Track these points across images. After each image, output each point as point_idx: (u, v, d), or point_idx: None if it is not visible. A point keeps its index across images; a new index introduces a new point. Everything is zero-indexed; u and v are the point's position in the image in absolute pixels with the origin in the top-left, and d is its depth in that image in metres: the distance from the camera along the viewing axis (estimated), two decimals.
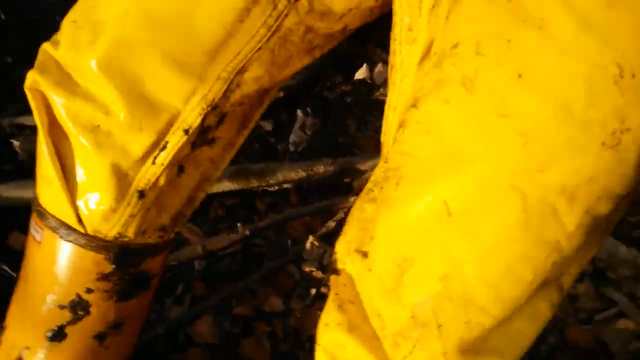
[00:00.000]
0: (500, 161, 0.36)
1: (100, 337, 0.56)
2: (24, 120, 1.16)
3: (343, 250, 0.46)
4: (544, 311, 0.43)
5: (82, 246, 0.50)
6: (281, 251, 1.15)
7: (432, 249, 0.39)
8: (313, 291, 1.08)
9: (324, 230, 1.18)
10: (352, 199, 1.22)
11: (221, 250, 1.10)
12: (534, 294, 0.40)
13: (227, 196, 1.20)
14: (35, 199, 0.54)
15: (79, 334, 0.55)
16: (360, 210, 0.46)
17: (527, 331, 0.43)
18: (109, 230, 0.50)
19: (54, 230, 0.50)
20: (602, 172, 0.36)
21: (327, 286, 1.10)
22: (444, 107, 0.38)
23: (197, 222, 1.15)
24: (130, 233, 0.51)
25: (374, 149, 1.29)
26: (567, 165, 0.35)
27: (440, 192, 0.38)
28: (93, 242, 0.50)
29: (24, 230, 1.10)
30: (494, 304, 0.39)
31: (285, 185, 1.23)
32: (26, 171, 1.16)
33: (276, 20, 0.47)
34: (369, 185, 0.47)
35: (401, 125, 0.44)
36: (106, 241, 0.50)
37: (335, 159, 1.27)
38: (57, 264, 0.52)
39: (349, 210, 1.21)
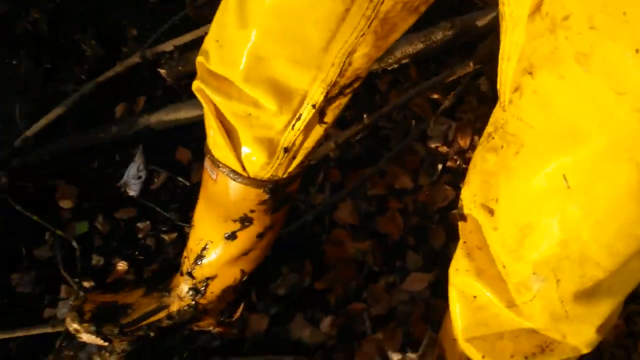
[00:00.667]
0: (617, 137, 0.36)
1: (259, 235, 0.78)
2: (163, 47, 1.30)
3: (469, 199, 0.51)
4: None
5: (246, 185, 0.69)
6: (406, 131, 1.20)
7: (551, 217, 0.43)
8: (439, 166, 1.13)
9: (446, 103, 1.17)
10: (470, 63, 1.17)
11: (351, 137, 1.19)
12: None
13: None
14: (208, 150, 0.72)
15: (246, 235, 0.77)
16: (482, 160, 0.50)
17: (636, 268, 0.45)
18: (265, 174, 0.68)
19: (226, 174, 0.69)
20: None
21: (453, 159, 1.14)
22: (560, 82, 0.38)
23: None
24: (280, 173, 0.69)
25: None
26: None
27: (559, 166, 0.40)
28: (254, 183, 0.69)
29: (187, 145, 1.32)
30: (608, 260, 0.43)
31: (403, 61, 1.22)
32: (175, 94, 1.34)
33: (373, 11, 0.52)
34: (488, 129, 0.50)
35: (517, 88, 0.44)
36: (263, 181, 0.69)
37: (454, 20, 1.19)
38: (229, 195, 0.72)
39: (469, 82, 1.17)
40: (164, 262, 1.17)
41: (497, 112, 0.48)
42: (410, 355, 0.93)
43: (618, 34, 0.33)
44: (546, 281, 0.44)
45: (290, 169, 0.69)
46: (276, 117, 0.60)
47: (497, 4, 0.45)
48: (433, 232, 1.07)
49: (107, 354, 0.91)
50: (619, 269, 0.43)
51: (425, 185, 1.12)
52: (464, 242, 0.53)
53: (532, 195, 0.43)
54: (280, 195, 0.72)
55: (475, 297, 0.52)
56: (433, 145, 1.15)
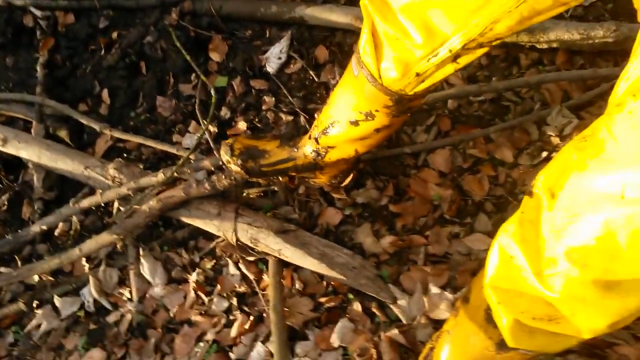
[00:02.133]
0: None
1: (377, 130, 0.93)
2: None
3: (541, 180, 0.60)
4: None
5: (378, 90, 0.83)
6: (527, 110, 1.25)
7: (599, 216, 0.51)
8: (544, 154, 1.19)
9: (577, 100, 1.20)
10: (619, 69, 1.17)
11: (473, 95, 1.26)
12: None
13: (495, 46, 1.28)
14: (357, 51, 0.84)
15: (367, 127, 0.92)
16: (569, 154, 0.57)
17: None
18: (395, 87, 0.81)
19: (365, 75, 0.83)
20: None
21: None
22: None
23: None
24: (407, 90, 0.82)
25: None
26: None
27: (623, 179, 0.48)
28: (385, 90, 0.83)
29: (327, 46, 1.44)
30: (635, 268, 0.52)
31: (554, 45, 1.24)
32: None
33: None
34: (585, 132, 0.57)
35: (619, 104, 0.51)
36: (392, 92, 0.82)
37: (620, 25, 1.18)
38: (363, 93, 0.86)
39: (610, 87, 1.18)
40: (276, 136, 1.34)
41: (598, 121, 0.54)
42: (448, 294, 1.07)
43: None
44: (574, 263, 0.54)
45: (417, 89, 0.81)
46: (418, 48, 0.72)
47: None
48: (512, 208, 1.15)
49: (222, 176, 1.14)
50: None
51: (523, 165, 1.19)
52: (522, 213, 0.62)
53: (591, 193, 0.51)
54: (402, 106, 0.86)
55: (512, 257, 0.62)
56: (547, 133, 1.20)
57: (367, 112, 0.88)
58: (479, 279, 0.76)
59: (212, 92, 1.35)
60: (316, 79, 1.41)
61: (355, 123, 0.91)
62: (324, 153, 1.01)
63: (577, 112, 1.19)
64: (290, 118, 1.38)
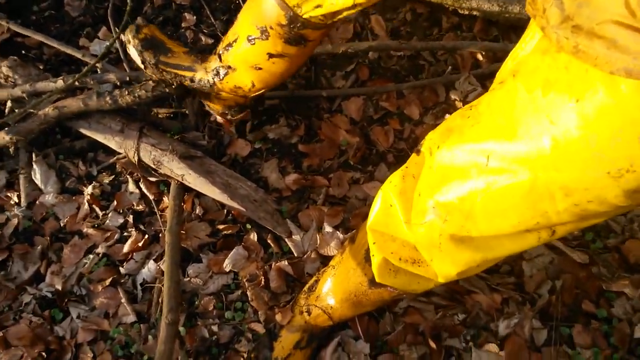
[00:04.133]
0: (534, 154, 0.49)
1: (270, 55, 0.91)
2: None
3: (428, 139, 0.64)
4: (529, 240, 0.60)
5: (275, 1, 0.81)
6: (439, 72, 1.31)
7: (464, 180, 0.56)
8: (447, 116, 1.26)
9: (484, 69, 1.28)
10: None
11: (394, 50, 1.30)
12: (521, 232, 0.58)
13: (420, 3, 1.31)
14: None
15: (260, 48, 0.90)
16: (453, 120, 0.61)
17: (508, 246, 0.62)
18: (290, 1, 0.79)
19: None
20: (598, 189, 0.48)
21: None
22: (525, 94, 0.49)
23: (387, 18, 1.33)
24: (302, 11, 0.79)
25: None
26: (573, 174, 0.49)
27: (489, 149, 0.53)
28: (280, 3, 0.80)
29: None
30: (484, 228, 0.58)
31: (474, 13, 1.30)
32: None
33: None
34: (473, 102, 0.61)
35: (502, 82, 0.54)
36: (287, 5, 0.80)
37: None
38: (261, 5, 0.84)
39: None
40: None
41: (486, 94, 0.59)
42: (339, 233, 1.14)
43: (572, 85, 0.45)
44: (438, 217, 0.61)
45: (312, 13, 0.79)
46: None
47: None
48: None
49: (126, 92, 1.09)
50: (490, 237, 0.59)
51: (427, 124, 1.26)
52: (406, 167, 0.68)
53: (462, 158, 0.56)
54: (294, 30, 0.84)
55: (391, 205, 0.68)
56: (453, 97, 1.27)
57: (262, 27, 0.86)
58: (364, 223, 0.82)
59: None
60: (242, 3, 1.36)
61: (251, 41, 0.89)
62: (223, 74, 0.99)
63: (483, 81, 1.27)
64: (211, 41, 1.33)
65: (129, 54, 1.04)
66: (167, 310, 1.01)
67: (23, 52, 1.32)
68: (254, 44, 0.89)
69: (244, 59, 0.94)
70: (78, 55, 1.23)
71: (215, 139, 1.26)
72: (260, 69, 0.94)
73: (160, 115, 1.27)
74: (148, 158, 1.16)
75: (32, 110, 1.13)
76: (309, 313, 0.97)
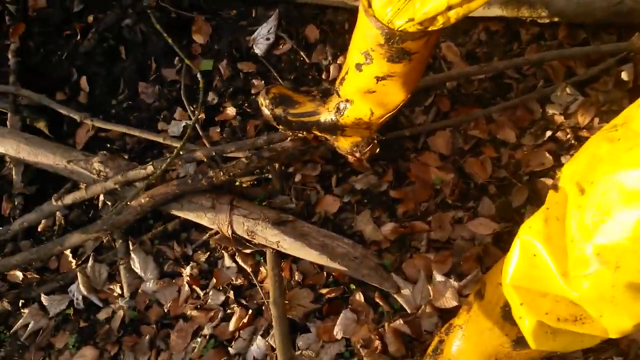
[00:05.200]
0: None
1: (377, 78, 0.88)
2: None
3: (568, 174, 0.56)
4: None
5: (370, 21, 0.77)
6: (530, 87, 1.20)
7: (632, 213, 0.47)
8: (548, 133, 1.15)
9: (582, 76, 1.16)
10: (623, 43, 1.14)
11: (473, 75, 1.21)
12: None
13: (493, 21, 1.23)
14: None
15: (368, 72, 0.87)
16: (597, 145, 0.53)
17: None
18: (384, 17, 0.75)
19: (361, 8, 0.79)
20: None
21: (565, 131, 1.15)
22: None
23: (459, 43, 1.25)
24: (396, 23, 0.75)
25: None
26: None
27: None
28: (374, 21, 0.77)
29: (318, 25, 1.37)
30: None
31: (555, 19, 1.19)
32: None
33: None
34: (616, 121, 0.53)
35: None
36: (381, 23, 0.76)
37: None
38: (361, 30, 0.83)
39: (613, 64, 1.14)
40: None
41: (632, 109, 0.51)
42: (453, 281, 1.04)
43: None
44: (606, 265, 0.50)
45: (406, 26, 0.74)
46: None
47: None
48: (516, 190, 1.12)
49: (220, 172, 1.10)
50: None
51: (526, 145, 1.15)
52: (547, 209, 0.58)
53: (625, 189, 0.47)
54: (394, 46, 0.80)
55: (535, 255, 0.58)
56: (551, 111, 1.16)
57: (365, 52, 0.84)
58: (494, 274, 0.72)
59: (199, 76, 1.28)
60: (307, 60, 1.35)
61: (359, 67, 0.88)
62: (342, 109, 0.99)
63: (582, 88, 1.15)
64: None
65: (264, 115, 1.11)
66: None
67: (108, 145, 1.37)
68: (361, 70, 0.88)
69: (357, 88, 0.93)
70: (159, 139, 1.25)
71: (302, 199, 1.22)
72: (373, 92, 0.91)
73: (244, 185, 1.25)
74: (241, 230, 1.14)
75: (127, 203, 1.14)
76: None
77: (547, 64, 1.18)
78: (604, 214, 0.50)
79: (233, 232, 1.15)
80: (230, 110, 1.32)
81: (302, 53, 1.35)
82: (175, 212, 1.20)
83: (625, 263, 0.49)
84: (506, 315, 0.67)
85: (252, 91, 1.34)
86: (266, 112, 1.09)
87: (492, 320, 0.71)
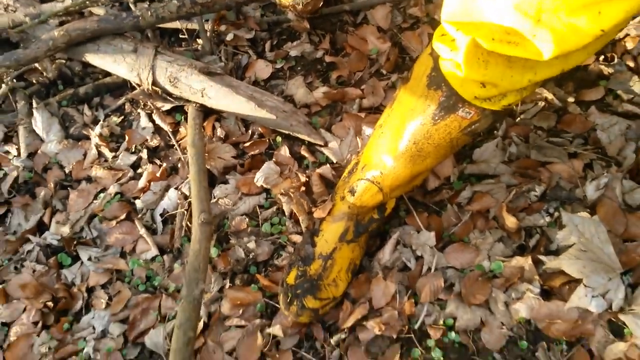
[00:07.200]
0: None
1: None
2: None
3: None
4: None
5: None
6: None
7: None
8: None
9: None
10: None
11: None
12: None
13: None
14: None
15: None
16: None
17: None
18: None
19: None
20: None
21: None
22: None
23: None
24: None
25: None
26: None
27: None
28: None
29: None
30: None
31: None
32: None
33: None
34: None
35: None
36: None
37: None
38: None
39: None
40: None
41: None
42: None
43: None
44: None
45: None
46: None
47: None
48: None
49: (149, 10, 1.00)
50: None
51: None
52: None
53: None
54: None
55: None
56: None
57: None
58: (423, 55, 0.70)
59: None
60: None
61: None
62: None
63: None
64: None
65: None
66: (199, 212, 0.86)
67: None
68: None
69: None
70: None
71: (232, 62, 1.15)
72: None
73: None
74: (164, 76, 1.04)
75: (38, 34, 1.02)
76: (353, 193, 0.83)
77: None
78: None
79: (154, 80, 1.06)
80: None
81: None
82: (90, 56, 1.08)
83: None
84: (431, 82, 0.65)
85: None
86: None
87: (416, 95, 0.68)
